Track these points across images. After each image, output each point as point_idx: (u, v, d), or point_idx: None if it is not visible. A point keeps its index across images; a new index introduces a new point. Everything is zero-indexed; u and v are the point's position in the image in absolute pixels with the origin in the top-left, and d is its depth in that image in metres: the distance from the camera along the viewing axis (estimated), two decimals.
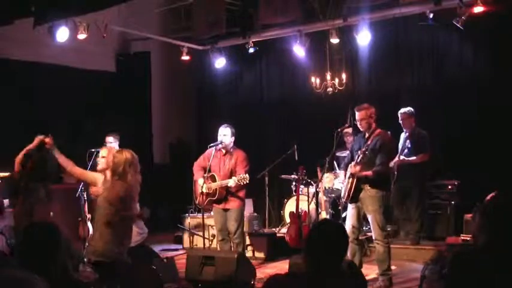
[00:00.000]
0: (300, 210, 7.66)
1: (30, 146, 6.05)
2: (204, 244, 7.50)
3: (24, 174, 5.73)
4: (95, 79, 9.53)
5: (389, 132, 7.52)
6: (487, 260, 2.47)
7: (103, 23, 7.85)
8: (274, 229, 8.75)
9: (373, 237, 6.08)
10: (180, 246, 8.60)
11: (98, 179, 5.13)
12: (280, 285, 2.83)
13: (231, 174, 6.63)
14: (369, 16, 7.73)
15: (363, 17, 7.75)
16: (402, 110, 7.59)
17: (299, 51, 8.49)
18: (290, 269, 5.56)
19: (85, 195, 7.32)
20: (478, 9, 6.99)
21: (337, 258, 2.79)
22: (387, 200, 7.95)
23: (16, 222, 5.75)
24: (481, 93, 8.07)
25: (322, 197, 7.88)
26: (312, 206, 7.57)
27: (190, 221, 8.52)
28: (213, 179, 6.71)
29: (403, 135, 7.67)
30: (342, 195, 6.20)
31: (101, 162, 5.16)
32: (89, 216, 7.46)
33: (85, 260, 6.95)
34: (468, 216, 6.79)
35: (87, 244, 7.28)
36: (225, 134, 6.68)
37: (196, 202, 6.98)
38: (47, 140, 5.33)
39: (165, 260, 6.49)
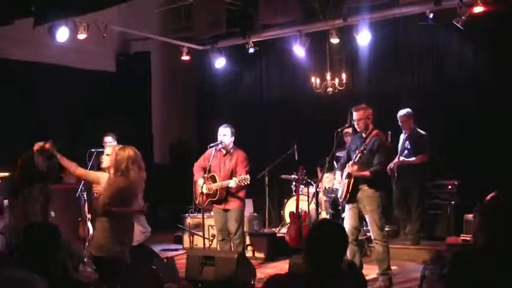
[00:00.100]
0: (300, 210, 7.66)
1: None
2: (204, 244, 7.50)
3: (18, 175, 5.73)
4: (95, 79, 9.53)
5: (390, 132, 7.58)
6: (487, 260, 2.47)
7: (103, 23, 7.85)
8: (274, 229, 8.76)
9: (372, 237, 6.09)
10: (180, 246, 8.60)
11: (102, 178, 5.14)
12: (280, 285, 2.83)
13: (232, 174, 6.63)
14: (369, 16, 7.73)
15: (363, 17, 7.75)
16: (401, 113, 7.58)
17: (299, 51, 8.48)
18: (290, 269, 5.57)
19: (85, 195, 7.33)
20: (478, 9, 6.99)
21: (337, 258, 2.79)
22: (386, 200, 7.99)
23: (14, 223, 5.75)
24: (481, 93, 8.07)
25: (322, 197, 7.88)
26: (312, 206, 7.57)
27: (190, 221, 8.52)
28: (213, 180, 6.71)
29: (402, 136, 7.67)
30: (339, 195, 6.20)
31: (106, 160, 5.14)
32: (89, 216, 7.46)
33: (85, 260, 6.97)
34: (468, 216, 6.79)
35: (87, 244, 7.29)
36: (225, 134, 6.68)
37: (197, 202, 6.98)
38: (47, 145, 5.33)
39: (165, 260, 6.49)
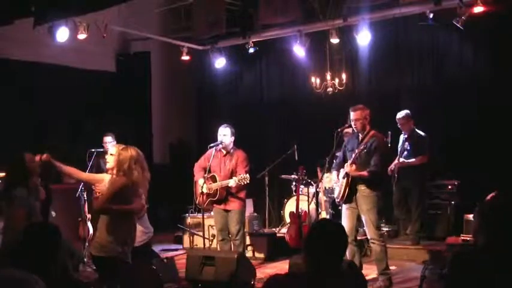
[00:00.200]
0: (300, 210, 7.66)
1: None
2: (204, 244, 7.49)
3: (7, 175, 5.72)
4: (95, 79, 9.53)
5: (390, 133, 7.58)
6: (487, 260, 2.47)
7: (103, 23, 7.85)
8: (274, 229, 8.75)
9: (369, 237, 6.10)
10: (180, 246, 8.60)
11: (105, 179, 5.14)
12: (280, 285, 2.83)
13: (232, 174, 6.62)
14: (369, 16, 7.73)
15: (363, 17, 7.75)
16: (399, 115, 7.57)
17: (299, 51, 8.48)
18: (290, 269, 5.56)
19: (85, 195, 7.33)
20: (478, 9, 6.99)
21: (336, 258, 2.79)
22: (386, 201, 7.98)
23: (8, 223, 5.74)
24: (481, 93, 8.07)
25: (322, 197, 7.88)
26: (312, 206, 7.57)
27: (190, 221, 8.52)
28: (214, 180, 6.71)
29: (402, 137, 7.67)
30: (336, 195, 6.20)
31: (110, 161, 5.09)
32: (89, 216, 7.46)
33: (85, 260, 6.97)
34: (468, 216, 6.79)
35: (87, 244, 7.30)
36: (225, 134, 6.68)
37: (197, 202, 6.98)
38: (44, 157, 5.33)
39: (165, 260, 6.49)
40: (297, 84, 9.84)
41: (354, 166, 5.86)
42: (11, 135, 7.98)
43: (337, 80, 8.81)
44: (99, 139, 7.73)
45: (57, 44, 7.71)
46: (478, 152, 7.84)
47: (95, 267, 6.08)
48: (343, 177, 5.98)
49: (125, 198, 4.65)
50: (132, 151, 4.76)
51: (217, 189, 6.62)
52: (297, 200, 7.73)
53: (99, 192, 5.94)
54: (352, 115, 6.03)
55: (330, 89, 8.82)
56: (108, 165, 5.14)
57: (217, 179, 6.67)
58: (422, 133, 7.57)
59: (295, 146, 8.40)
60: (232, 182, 6.47)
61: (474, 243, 2.73)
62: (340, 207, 6.36)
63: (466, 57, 8.36)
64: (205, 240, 7.53)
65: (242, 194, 6.74)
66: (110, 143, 7.59)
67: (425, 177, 7.69)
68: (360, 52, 8.86)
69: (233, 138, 6.75)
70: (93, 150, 7.60)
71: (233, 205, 6.69)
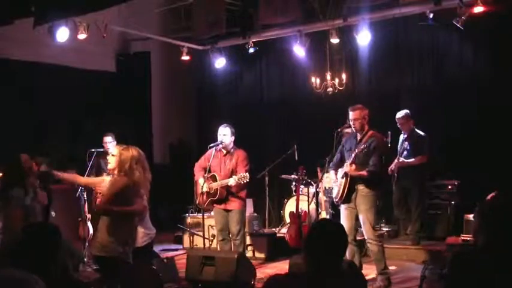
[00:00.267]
0: (300, 210, 7.66)
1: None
2: (204, 244, 7.49)
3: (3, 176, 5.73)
4: (95, 79, 9.53)
5: (390, 133, 7.58)
6: (487, 260, 2.47)
7: (103, 23, 7.85)
8: (274, 229, 8.75)
9: (365, 237, 6.07)
10: (180, 246, 8.60)
11: (106, 179, 5.13)
12: (280, 285, 2.83)
13: (232, 174, 6.61)
14: (369, 16, 7.73)
15: (363, 17, 7.75)
16: (399, 115, 7.57)
17: (299, 51, 8.48)
18: (290, 269, 5.57)
19: (85, 195, 7.33)
20: (478, 9, 6.99)
21: (336, 258, 2.79)
22: (386, 201, 7.98)
23: (6, 223, 5.75)
24: (481, 93, 8.07)
25: (322, 197, 7.88)
26: (312, 206, 7.57)
27: (190, 221, 8.53)
28: (214, 179, 6.70)
29: (401, 137, 7.67)
30: (334, 195, 6.19)
31: (112, 161, 5.03)
32: (89, 216, 7.46)
33: (85, 260, 6.97)
34: (468, 216, 6.79)
35: (87, 244, 7.30)
36: (225, 134, 6.68)
37: (197, 202, 6.97)
38: (42, 168, 5.33)
39: (165, 260, 6.49)
40: (297, 84, 9.84)
41: (353, 166, 5.86)
42: (11, 135, 7.98)
43: (337, 80, 8.81)
44: (99, 139, 7.73)
45: (57, 44, 7.71)
46: (478, 152, 7.84)
47: (96, 267, 6.09)
48: (342, 177, 5.98)
49: (126, 198, 4.64)
50: (133, 151, 4.76)
51: (217, 189, 6.62)
52: (297, 200, 7.73)
53: (100, 193, 5.94)
54: (351, 115, 6.03)
55: (330, 89, 8.82)
56: (110, 166, 5.10)
57: (218, 178, 6.67)
58: (421, 133, 7.56)
59: (295, 146, 8.39)
60: (232, 181, 6.47)
61: (474, 243, 2.73)
62: (339, 207, 6.36)
63: (466, 57, 8.36)
64: (205, 240, 7.52)
65: (242, 194, 6.73)
66: (110, 143, 7.60)
67: (425, 177, 7.69)
68: (360, 52, 8.85)
69: (233, 137, 6.75)
70: (93, 150, 7.60)
71: (233, 205, 6.69)
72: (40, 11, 6.47)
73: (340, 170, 6.09)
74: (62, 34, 7.55)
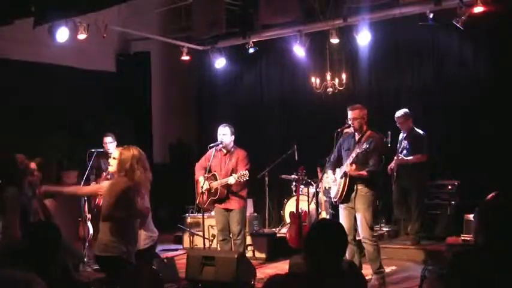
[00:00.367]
0: (300, 210, 7.67)
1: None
2: (204, 244, 7.49)
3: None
4: (95, 79, 9.52)
5: (389, 133, 7.58)
6: (487, 260, 2.47)
7: (103, 23, 7.85)
8: (274, 229, 8.75)
9: (361, 237, 6.03)
10: (180, 246, 8.60)
11: (104, 185, 5.13)
12: (280, 285, 2.83)
13: (232, 173, 6.61)
14: (369, 16, 7.72)
15: (363, 17, 7.75)
16: (398, 114, 7.57)
17: (299, 51, 8.48)
18: (290, 269, 5.57)
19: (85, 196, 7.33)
20: (478, 9, 6.98)
21: (336, 257, 2.79)
22: (386, 200, 7.98)
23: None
24: (481, 93, 8.06)
25: (322, 197, 7.87)
26: (312, 206, 7.57)
27: (190, 221, 8.53)
28: (215, 179, 6.71)
29: (401, 136, 7.68)
30: (333, 195, 6.19)
31: (114, 164, 4.94)
32: (89, 216, 7.47)
33: (85, 260, 6.97)
34: (468, 216, 6.79)
35: (87, 244, 7.30)
36: (225, 134, 6.68)
37: (197, 202, 6.97)
38: (43, 189, 5.32)
39: (165, 260, 6.49)
40: (297, 84, 9.84)
41: (353, 166, 5.86)
42: (11, 135, 7.97)
43: (337, 80, 8.81)
44: (99, 139, 7.73)
45: (57, 44, 7.70)
46: (478, 152, 7.85)
47: (96, 267, 6.09)
48: (341, 177, 5.97)
49: (128, 199, 4.62)
50: (134, 150, 4.75)
51: (217, 188, 6.62)
52: (297, 200, 7.73)
53: (100, 195, 5.94)
54: (350, 114, 6.03)
55: (330, 89, 8.82)
56: (111, 169, 5.05)
57: (218, 178, 6.67)
58: (421, 132, 7.57)
59: (295, 146, 8.40)
60: (231, 180, 6.47)
61: (474, 243, 2.73)
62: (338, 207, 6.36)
63: (466, 57, 8.36)
64: (205, 240, 7.53)
65: (243, 193, 6.74)
66: (110, 144, 7.60)
67: (425, 176, 7.69)
68: (360, 52, 8.85)
69: (233, 137, 6.75)
70: (93, 150, 7.60)
71: (234, 204, 6.69)
72: (40, 11, 6.47)
73: (338, 169, 6.08)
74: (62, 34, 7.55)
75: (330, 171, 6.28)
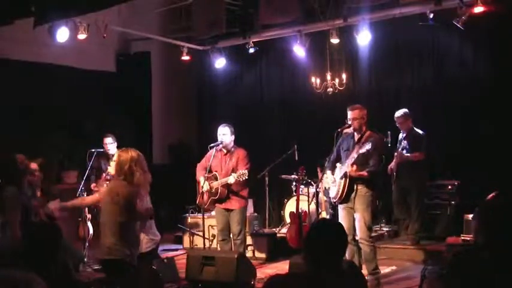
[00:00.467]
0: (300, 211, 7.67)
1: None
2: (204, 244, 7.49)
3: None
4: (95, 79, 9.52)
5: (389, 133, 7.58)
6: (487, 260, 2.47)
7: (103, 23, 7.85)
8: (274, 229, 8.75)
9: (358, 237, 6.02)
10: (180, 246, 8.60)
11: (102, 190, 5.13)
12: (280, 285, 2.83)
13: (233, 173, 6.61)
14: (369, 16, 7.72)
15: (363, 17, 7.75)
16: (397, 114, 7.58)
17: (299, 51, 8.48)
18: (290, 269, 5.57)
19: (85, 196, 7.33)
20: (478, 9, 6.98)
21: (336, 257, 2.79)
22: (386, 200, 7.98)
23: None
24: (481, 93, 8.07)
25: (322, 197, 7.87)
26: (312, 206, 7.57)
27: (190, 221, 8.53)
28: (215, 179, 6.71)
29: (400, 135, 7.69)
30: (333, 195, 6.18)
31: (114, 166, 4.92)
32: (89, 216, 7.47)
33: (85, 260, 6.97)
34: (468, 216, 6.79)
35: (87, 244, 7.30)
36: (224, 133, 6.68)
37: (197, 202, 6.97)
38: (47, 210, 5.32)
39: (165, 260, 6.49)
40: (297, 84, 9.84)
41: (354, 167, 5.85)
42: (10, 135, 7.97)
43: (337, 80, 8.81)
44: (100, 139, 7.73)
45: (57, 44, 7.70)
46: (478, 152, 7.85)
47: (96, 267, 6.09)
48: (341, 178, 5.97)
49: (130, 204, 4.63)
50: (132, 153, 4.75)
51: (218, 188, 6.62)
52: (297, 200, 7.73)
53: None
54: (350, 114, 6.03)
55: (330, 89, 8.82)
56: (111, 170, 5.06)
57: (218, 177, 6.68)
58: (420, 131, 7.57)
59: (295, 146, 8.40)
60: (231, 179, 6.48)
61: (474, 243, 2.73)
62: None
63: (466, 57, 8.36)
64: (205, 240, 7.53)
65: (244, 193, 6.74)
66: (111, 144, 7.60)
67: (425, 176, 7.69)
68: (360, 52, 8.85)
69: (233, 137, 6.75)
70: (93, 150, 7.60)
71: (234, 204, 6.69)
72: (40, 11, 6.46)
73: (337, 169, 6.07)
74: (62, 34, 7.55)
75: (329, 172, 6.27)
